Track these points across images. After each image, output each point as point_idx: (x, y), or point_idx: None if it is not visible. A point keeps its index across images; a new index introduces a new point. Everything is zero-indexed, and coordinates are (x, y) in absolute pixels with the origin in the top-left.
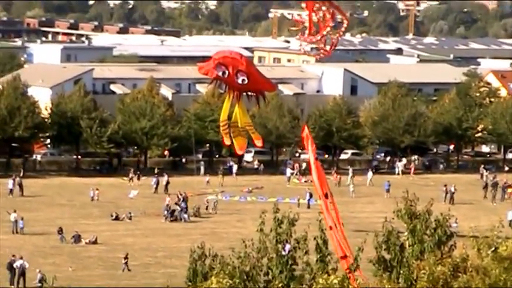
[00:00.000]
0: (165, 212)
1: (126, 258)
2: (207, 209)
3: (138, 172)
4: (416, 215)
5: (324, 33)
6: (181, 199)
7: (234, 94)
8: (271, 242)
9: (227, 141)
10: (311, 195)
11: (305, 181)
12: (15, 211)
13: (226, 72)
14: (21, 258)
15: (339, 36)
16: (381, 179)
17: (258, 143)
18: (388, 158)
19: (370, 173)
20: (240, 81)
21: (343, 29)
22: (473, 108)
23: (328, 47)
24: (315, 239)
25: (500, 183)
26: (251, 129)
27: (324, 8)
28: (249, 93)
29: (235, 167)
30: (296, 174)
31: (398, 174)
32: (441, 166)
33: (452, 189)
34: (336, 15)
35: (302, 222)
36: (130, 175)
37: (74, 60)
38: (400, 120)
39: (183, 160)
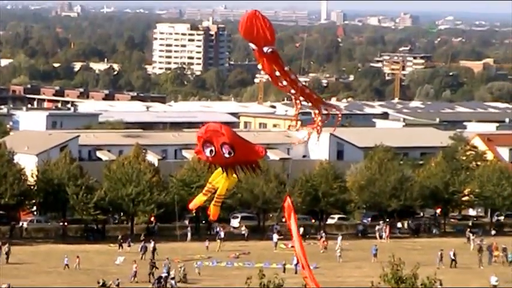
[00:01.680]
0: (132, 279)
1: None
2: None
3: (129, 239)
4: (402, 279)
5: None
6: (165, 265)
7: (228, 172)
8: None
9: (194, 203)
10: (298, 260)
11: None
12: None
13: (213, 149)
14: None
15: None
16: (368, 243)
17: (211, 216)
18: (381, 222)
19: (339, 238)
20: (226, 154)
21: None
22: (460, 171)
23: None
24: None
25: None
26: (219, 201)
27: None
28: (242, 166)
29: (222, 233)
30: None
31: (381, 238)
32: (434, 230)
33: (452, 254)
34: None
35: (289, 286)
36: (119, 241)
37: (59, 127)
38: (387, 184)
39: (155, 227)
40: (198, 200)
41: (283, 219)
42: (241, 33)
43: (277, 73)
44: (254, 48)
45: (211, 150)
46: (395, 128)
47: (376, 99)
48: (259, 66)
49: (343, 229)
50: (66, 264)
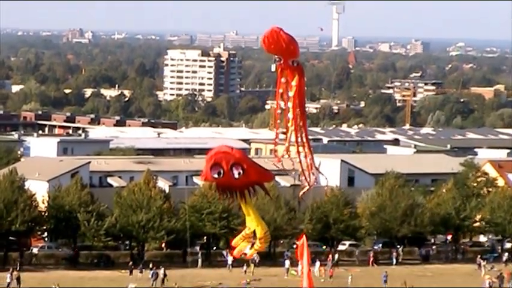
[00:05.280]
0: None
1: None
2: None
3: (140, 265)
4: None
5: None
6: None
7: (237, 197)
8: None
9: (238, 250)
10: None
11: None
12: None
13: (221, 171)
14: None
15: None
16: (378, 270)
17: (236, 253)
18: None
19: (317, 264)
20: (236, 175)
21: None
22: (471, 198)
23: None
24: None
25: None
26: (266, 239)
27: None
28: (250, 189)
29: (230, 259)
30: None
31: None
32: (460, 256)
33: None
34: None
35: None
36: (130, 267)
37: (70, 154)
38: (397, 210)
39: (141, 254)
40: (242, 246)
41: (294, 246)
42: (265, 45)
43: (294, 83)
44: (279, 61)
45: (219, 172)
46: (406, 155)
47: (387, 126)
48: (283, 80)
49: (353, 255)
50: None
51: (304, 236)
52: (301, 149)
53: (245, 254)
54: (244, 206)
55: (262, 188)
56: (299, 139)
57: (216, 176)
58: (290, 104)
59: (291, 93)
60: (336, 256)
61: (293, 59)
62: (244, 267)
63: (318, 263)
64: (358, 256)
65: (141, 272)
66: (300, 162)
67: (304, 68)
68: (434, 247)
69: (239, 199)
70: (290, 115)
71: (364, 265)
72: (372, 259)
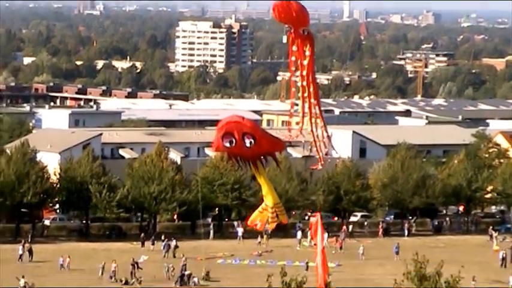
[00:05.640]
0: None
1: None
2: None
3: (152, 237)
4: (426, 277)
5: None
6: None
7: (250, 165)
8: None
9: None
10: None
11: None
12: (23, 277)
13: (233, 140)
14: None
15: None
16: (390, 241)
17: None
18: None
19: (326, 235)
20: (247, 144)
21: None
22: (483, 169)
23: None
24: None
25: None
26: (280, 210)
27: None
28: (262, 158)
29: (240, 231)
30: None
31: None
32: (473, 227)
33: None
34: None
35: (311, 285)
36: (142, 239)
37: (82, 125)
38: (409, 182)
39: (150, 225)
40: (263, 219)
41: (306, 217)
42: (275, 14)
43: (307, 52)
44: (289, 30)
45: (230, 141)
46: (418, 126)
47: (399, 97)
48: (294, 48)
49: (365, 227)
50: (61, 265)
51: (318, 214)
52: (313, 119)
53: (264, 226)
54: (258, 176)
55: (273, 158)
56: (312, 109)
57: (227, 145)
58: (303, 72)
59: (304, 62)
60: (350, 227)
61: (303, 27)
62: (259, 239)
63: (326, 235)
64: (368, 227)
65: (153, 243)
66: (312, 132)
67: (315, 39)
68: (447, 218)
69: (253, 169)
70: (304, 83)
71: (374, 236)
72: (381, 230)
